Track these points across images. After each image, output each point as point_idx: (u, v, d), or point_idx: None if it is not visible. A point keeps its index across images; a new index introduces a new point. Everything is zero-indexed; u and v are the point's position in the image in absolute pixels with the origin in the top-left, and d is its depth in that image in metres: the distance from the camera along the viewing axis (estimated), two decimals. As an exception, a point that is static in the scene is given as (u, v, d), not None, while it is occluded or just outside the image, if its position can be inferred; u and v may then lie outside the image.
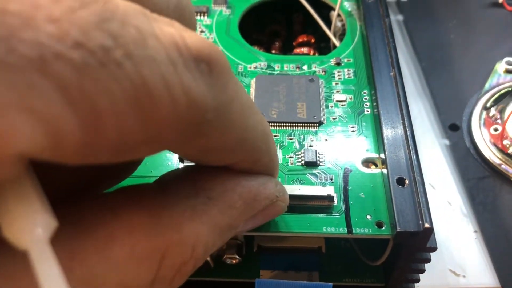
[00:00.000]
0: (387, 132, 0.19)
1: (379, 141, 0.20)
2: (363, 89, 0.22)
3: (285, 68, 0.23)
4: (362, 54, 0.24)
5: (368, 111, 0.21)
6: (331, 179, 0.19)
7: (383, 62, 0.22)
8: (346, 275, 0.21)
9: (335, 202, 0.18)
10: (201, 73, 0.10)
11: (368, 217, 0.18)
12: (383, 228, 0.17)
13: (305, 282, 0.17)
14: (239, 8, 0.26)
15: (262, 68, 0.23)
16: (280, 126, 0.21)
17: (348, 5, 0.26)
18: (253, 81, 0.23)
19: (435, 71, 0.30)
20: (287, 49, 0.28)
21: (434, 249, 0.17)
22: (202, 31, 0.25)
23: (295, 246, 0.20)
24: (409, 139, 0.19)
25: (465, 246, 0.23)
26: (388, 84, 0.21)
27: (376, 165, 0.19)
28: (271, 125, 0.21)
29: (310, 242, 0.20)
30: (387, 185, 0.18)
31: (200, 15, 0.26)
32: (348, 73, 0.23)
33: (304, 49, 0.27)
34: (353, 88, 0.22)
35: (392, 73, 0.21)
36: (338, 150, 0.20)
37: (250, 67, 0.23)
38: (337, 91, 0.22)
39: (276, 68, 0.23)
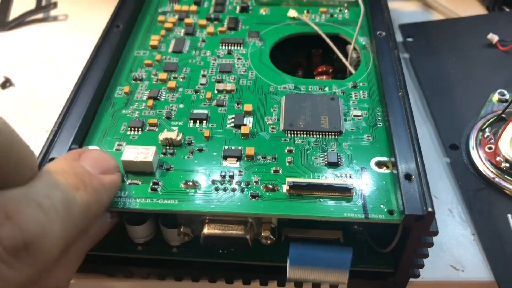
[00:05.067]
0: (397, 139, 0.23)
1: (389, 146, 0.24)
2: (376, 107, 0.26)
3: (310, 89, 0.28)
4: (375, 80, 0.28)
5: (380, 124, 0.25)
6: (350, 176, 0.23)
7: (393, 84, 0.26)
8: (361, 262, 0.24)
9: (354, 193, 0.22)
10: (19, 259, 0.15)
11: (382, 206, 0.21)
12: (394, 215, 0.21)
13: (329, 246, 0.20)
14: (269, 41, 0.31)
15: (290, 89, 0.28)
16: (306, 134, 0.25)
17: (362, 39, 0.31)
18: (283, 99, 0.27)
19: (437, 99, 0.34)
20: (308, 78, 0.33)
21: (435, 233, 0.21)
22: (239, 59, 0.30)
23: (318, 237, 0.24)
24: (414, 144, 0.23)
25: (464, 246, 0.26)
26: (397, 102, 0.25)
27: (388, 167, 0.23)
28: (299, 134, 0.25)
29: (331, 234, 0.24)
30: (397, 181, 0.22)
31: (237, 46, 0.31)
32: (363, 94, 0.27)
33: (323, 77, 0.32)
34: (368, 106, 0.26)
35: (400, 93, 0.26)
36: (355, 154, 0.24)
37: (280, 88, 0.28)
38: (354, 108, 0.26)
39: (302, 89, 0.28)
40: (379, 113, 0.26)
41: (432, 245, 0.22)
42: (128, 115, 0.26)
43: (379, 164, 0.23)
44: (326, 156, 0.24)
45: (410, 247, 0.22)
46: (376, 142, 0.24)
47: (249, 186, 0.22)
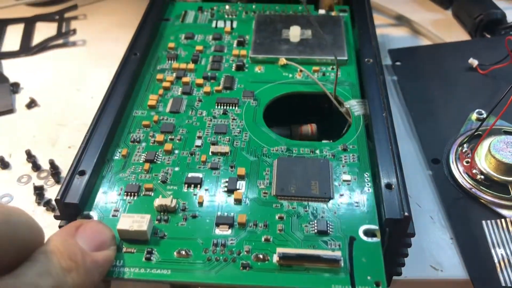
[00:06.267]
0: (380, 154, 0.27)
1: (378, 212, 0.24)
2: (365, 171, 0.27)
3: (301, 152, 0.29)
4: (365, 142, 0.29)
5: (369, 190, 0.26)
6: (339, 246, 0.23)
7: (378, 106, 0.30)
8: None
9: (342, 264, 0.22)
10: None
11: (369, 277, 0.22)
12: (380, 286, 0.22)
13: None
14: (263, 101, 0.32)
15: (282, 151, 0.29)
16: (297, 200, 0.26)
17: (353, 102, 0.32)
18: (275, 162, 0.28)
19: (422, 118, 0.38)
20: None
21: (412, 234, 0.24)
22: (233, 119, 0.31)
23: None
24: (395, 159, 0.26)
25: (443, 249, 0.30)
26: (381, 122, 0.29)
27: (375, 235, 0.24)
28: (290, 199, 0.26)
29: None
30: (380, 193, 0.24)
31: (232, 106, 0.32)
32: (353, 158, 0.28)
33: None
34: (357, 170, 0.27)
35: (384, 114, 0.29)
36: (344, 221, 0.24)
37: (273, 150, 0.29)
38: (344, 172, 0.27)
39: (294, 152, 0.29)
40: (368, 178, 0.27)
41: (411, 245, 0.24)
42: (125, 179, 0.27)
43: (367, 232, 0.24)
44: (315, 224, 0.24)
45: (392, 248, 0.24)
46: (364, 209, 0.25)
47: (240, 255, 0.23)
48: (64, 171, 0.34)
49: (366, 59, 0.34)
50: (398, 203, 0.24)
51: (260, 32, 0.38)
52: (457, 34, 0.49)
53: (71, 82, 0.43)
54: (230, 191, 0.26)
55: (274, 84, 0.34)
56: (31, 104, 0.41)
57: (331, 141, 0.33)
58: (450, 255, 0.29)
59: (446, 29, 0.49)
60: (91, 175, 0.26)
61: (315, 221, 0.24)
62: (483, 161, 0.32)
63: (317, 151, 0.29)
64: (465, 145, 0.34)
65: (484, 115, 0.36)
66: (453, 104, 0.38)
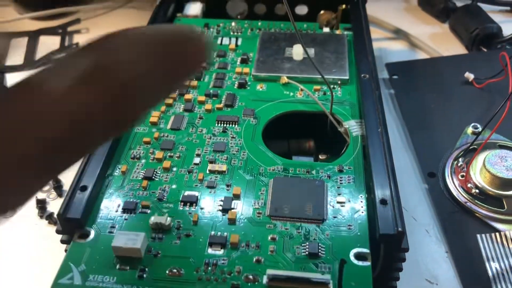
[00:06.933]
0: (375, 169, 0.27)
1: (370, 236, 0.24)
2: (360, 193, 0.27)
3: (298, 172, 0.29)
4: (361, 163, 0.29)
5: (363, 212, 0.26)
6: (329, 268, 0.23)
7: (373, 121, 0.30)
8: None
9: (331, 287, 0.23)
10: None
11: (357, 303, 0.22)
12: (369, 312, 0.22)
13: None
14: (263, 119, 0.33)
15: (279, 171, 0.29)
16: (290, 220, 0.26)
17: (352, 122, 0.32)
18: (271, 181, 0.28)
19: (418, 131, 0.38)
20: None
21: (406, 249, 0.24)
22: (233, 137, 0.31)
23: None
24: (390, 174, 0.26)
25: (438, 262, 0.30)
26: (376, 137, 0.29)
27: (366, 259, 0.24)
28: (283, 220, 0.26)
29: None
30: (374, 207, 0.25)
31: (232, 124, 0.32)
32: (349, 179, 0.28)
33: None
34: (352, 192, 0.27)
35: (379, 130, 0.29)
36: (336, 244, 0.25)
37: (269, 169, 0.29)
38: (339, 194, 0.27)
39: (290, 171, 0.29)
40: (362, 201, 0.27)
41: (405, 260, 0.25)
42: (123, 196, 0.28)
43: (359, 256, 0.24)
44: (307, 246, 0.24)
45: (386, 262, 0.24)
46: (357, 232, 0.25)
47: (231, 275, 0.23)
48: (66, 184, 0.35)
49: (362, 75, 0.34)
50: (392, 218, 0.24)
51: (264, 50, 0.38)
52: (453, 47, 0.49)
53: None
54: (225, 210, 0.27)
55: (274, 102, 0.34)
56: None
57: (328, 155, 0.33)
58: (445, 268, 0.29)
59: (443, 42, 0.50)
60: (92, 190, 0.27)
61: (307, 243, 0.25)
62: (478, 175, 0.33)
63: (313, 172, 0.29)
64: (460, 159, 0.34)
65: (480, 129, 0.36)
66: (449, 118, 0.39)
